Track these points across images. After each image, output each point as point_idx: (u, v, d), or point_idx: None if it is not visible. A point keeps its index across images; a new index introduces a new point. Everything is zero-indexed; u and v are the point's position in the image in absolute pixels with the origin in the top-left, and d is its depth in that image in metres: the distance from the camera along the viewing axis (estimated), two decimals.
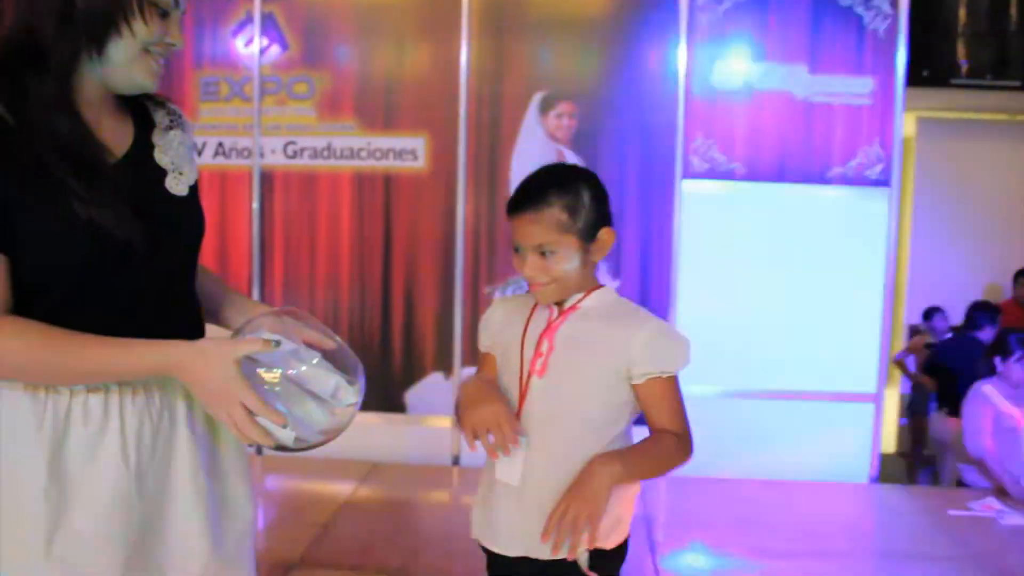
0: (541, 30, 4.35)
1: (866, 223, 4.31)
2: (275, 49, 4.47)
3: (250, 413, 1.29)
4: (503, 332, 1.80)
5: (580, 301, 1.71)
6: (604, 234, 1.68)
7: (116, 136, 1.41)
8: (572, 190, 1.65)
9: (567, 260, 1.65)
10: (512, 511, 1.70)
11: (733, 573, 3.35)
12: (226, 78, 4.50)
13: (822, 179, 4.30)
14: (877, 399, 4.35)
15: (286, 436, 1.33)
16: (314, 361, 1.38)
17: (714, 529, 3.70)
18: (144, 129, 1.47)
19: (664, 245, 4.33)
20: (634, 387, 1.67)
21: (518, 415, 1.69)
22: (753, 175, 4.31)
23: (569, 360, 1.68)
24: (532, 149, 4.32)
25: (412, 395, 4.47)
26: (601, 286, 1.74)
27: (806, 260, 4.32)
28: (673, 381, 1.68)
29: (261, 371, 1.34)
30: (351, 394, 1.41)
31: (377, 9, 4.41)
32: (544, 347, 1.70)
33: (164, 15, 1.35)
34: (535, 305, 1.75)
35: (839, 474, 4.33)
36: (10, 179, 1.27)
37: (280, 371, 1.35)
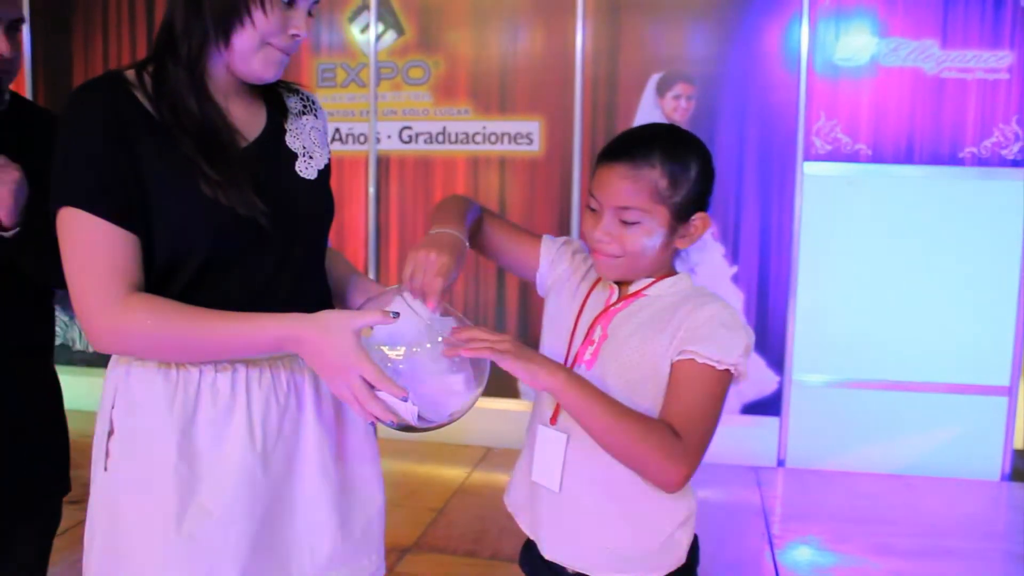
0: (657, 10, 4.26)
1: (1001, 206, 4.08)
2: (390, 35, 4.49)
3: (371, 388, 1.26)
4: (563, 288, 1.59)
5: (648, 287, 1.47)
6: (699, 219, 1.44)
7: (248, 121, 1.45)
8: (681, 156, 1.42)
9: (649, 236, 1.41)
10: (552, 516, 1.51)
11: (854, 570, 3.23)
12: (343, 64, 4.55)
13: (953, 160, 4.09)
14: (1011, 392, 4.13)
15: (409, 412, 1.27)
16: (439, 339, 1.33)
17: (833, 523, 3.59)
18: (277, 115, 1.51)
19: (784, 230, 4.20)
20: (671, 368, 1.40)
21: (557, 409, 1.49)
22: (879, 157, 4.14)
23: (621, 353, 1.44)
24: None
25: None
26: (676, 273, 1.50)
27: (935, 246, 4.12)
28: (709, 374, 1.37)
29: (384, 347, 1.31)
30: (476, 376, 1.37)
31: None
32: (597, 334, 1.48)
33: (289, 4, 1.36)
34: (597, 281, 1.53)
35: (968, 470, 4.13)
36: (144, 161, 1.31)
37: (404, 348, 1.32)
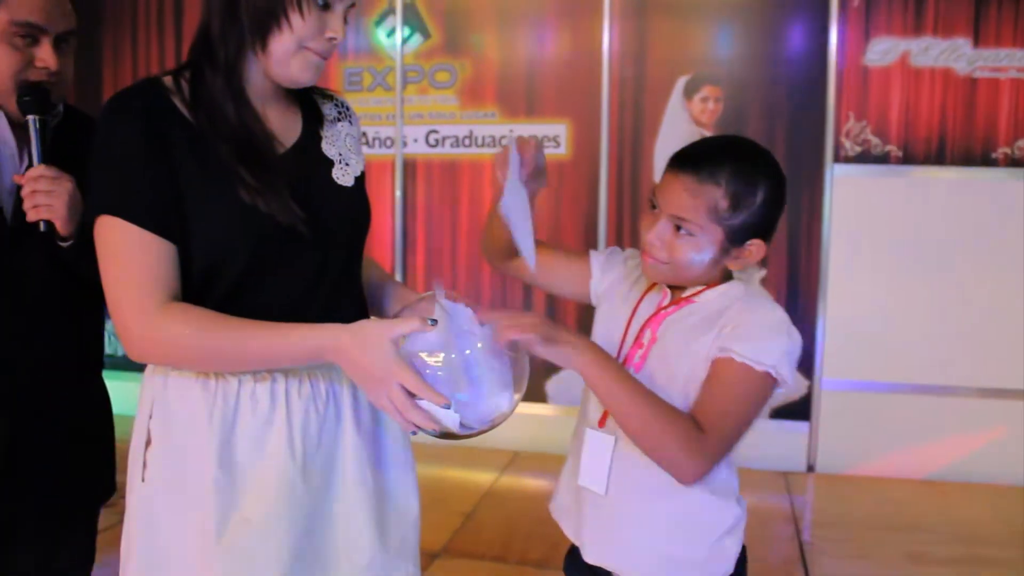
0: (684, 11, 4.23)
1: None
2: (417, 38, 4.49)
3: (411, 396, 1.24)
4: (615, 293, 1.58)
5: (700, 293, 1.45)
6: (754, 246, 1.41)
7: (284, 127, 1.45)
8: (750, 180, 1.38)
9: (698, 250, 1.39)
10: (597, 520, 1.50)
11: None
12: (369, 68, 4.55)
13: (986, 161, 4.04)
14: None
15: (450, 419, 1.25)
16: (479, 345, 1.32)
17: (865, 530, 3.54)
18: (313, 121, 1.50)
19: (814, 233, 4.16)
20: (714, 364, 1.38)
21: (605, 412, 1.47)
22: (910, 158, 4.09)
23: (669, 357, 1.42)
24: (676, 134, 4.21)
25: (553, 384, 4.45)
26: (730, 280, 1.48)
27: (967, 249, 4.06)
28: (745, 373, 1.35)
29: (423, 353, 1.29)
30: (515, 381, 1.36)
31: None
32: (647, 337, 1.46)
33: (325, 7, 1.35)
34: (652, 287, 1.52)
35: (1002, 476, 4.07)
36: (183, 169, 1.31)
37: (443, 354, 1.29)
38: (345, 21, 1.39)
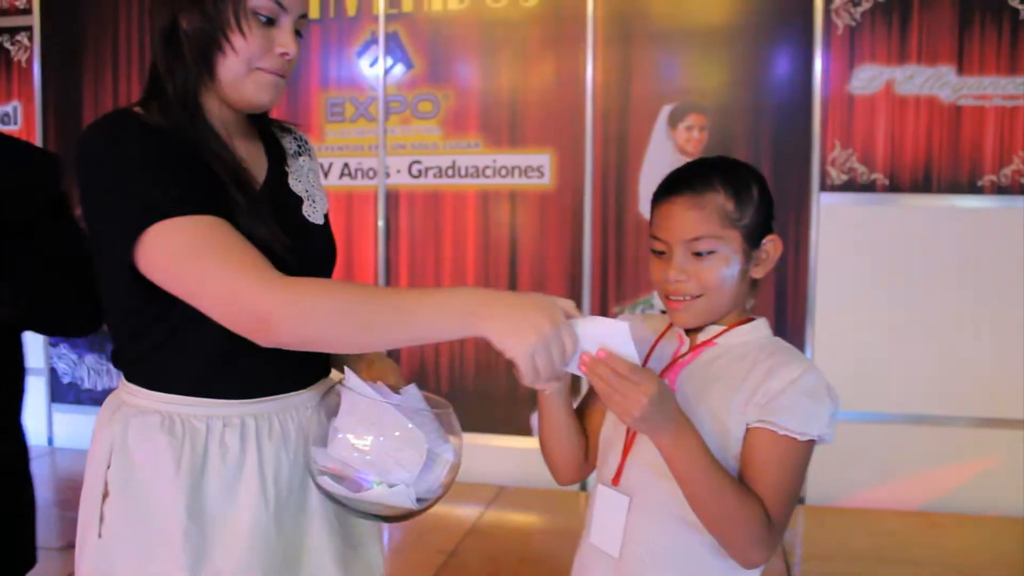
0: (668, 41, 4.21)
1: (1021, 235, 4.00)
2: (399, 68, 4.46)
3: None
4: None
5: (720, 335, 1.38)
6: (770, 242, 1.37)
7: (252, 162, 1.38)
8: (741, 179, 1.36)
9: (726, 264, 1.33)
10: None
11: None
12: (351, 99, 4.52)
13: (972, 189, 4.02)
14: None
15: (405, 496, 1.24)
16: (408, 424, 1.25)
17: (857, 563, 3.48)
18: (277, 156, 1.44)
19: (801, 262, 4.13)
20: (745, 433, 1.31)
21: (620, 469, 1.40)
22: (896, 186, 4.07)
23: (689, 406, 1.32)
24: (661, 163, 4.18)
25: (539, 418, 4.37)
26: (752, 319, 1.40)
27: (954, 276, 4.03)
28: (790, 446, 1.28)
29: (351, 436, 1.24)
30: (450, 433, 1.31)
31: (501, 25, 4.35)
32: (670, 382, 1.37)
33: (270, 22, 1.28)
34: (664, 332, 1.45)
35: (994, 507, 4.01)
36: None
37: (371, 437, 1.24)
38: (298, 34, 1.33)
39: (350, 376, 1.29)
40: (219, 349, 1.28)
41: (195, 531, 1.27)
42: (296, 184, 1.43)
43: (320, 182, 1.51)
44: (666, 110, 4.20)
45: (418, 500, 1.25)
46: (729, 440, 1.32)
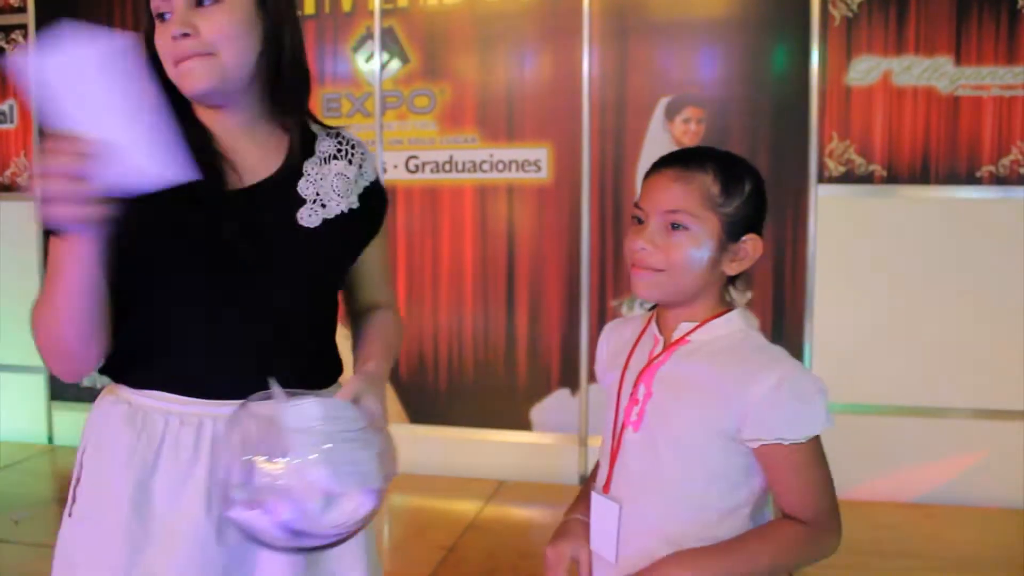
0: (664, 33, 4.20)
1: (1021, 226, 4.00)
2: (395, 63, 4.45)
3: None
4: (610, 367, 1.49)
5: (691, 332, 1.36)
6: (751, 240, 1.35)
7: (258, 161, 1.39)
8: (736, 170, 1.35)
9: (696, 244, 1.31)
10: None
11: None
12: (347, 94, 4.51)
13: (971, 179, 4.01)
14: None
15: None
16: (327, 445, 1.15)
17: (853, 556, 3.46)
18: (300, 157, 1.44)
19: (799, 254, 4.11)
20: (754, 452, 1.31)
21: (609, 476, 1.41)
22: (894, 177, 4.06)
23: (668, 411, 1.33)
24: (658, 156, 4.16)
25: (538, 412, 4.38)
26: (725, 311, 1.38)
27: (953, 268, 4.02)
28: (802, 449, 1.29)
29: (260, 459, 1.13)
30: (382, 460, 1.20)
31: (497, 18, 4.34)
32: (641, 392, 1.37)
33: (160, 16, 1.31)
34: (642, 332, 1.44)
35: (992, 498, 4.00)
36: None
37: (286, 459, 1.13)
38: (199, 3, 1.30)
39: (276, 387, 1.21)
40: (182, 347, 1.30)
41: (137, 525, 1.28)
42: (307, 186, 1.42)
43: (350, 188, 1.46)
44: (663, 103, 4.19)
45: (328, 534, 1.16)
46: (717, 455, 1.32)
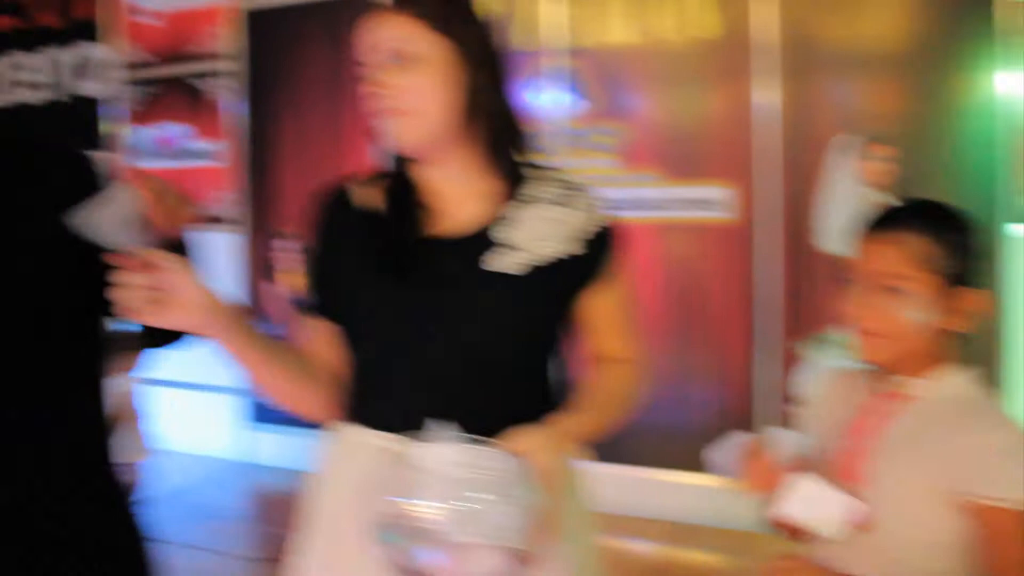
0: (848, 69, 4.11)
1: None
2: (577, 102, 4.51)
3: None
4: (828, 418, 1.48)
5: (912, 386, 1.35)
6: (973, 295, 1.32)
7: (461, 204, 1.43)
8: (949, 224, 1.33)
9: (918, 307, 1.29)
10: None
11: None
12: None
13: None
14: None
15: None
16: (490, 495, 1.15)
17: None
18: (511, 203, 1.44)
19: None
20: (967, 513, 1.24)
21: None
22: None
23: (890, 472, 1.31)
24: (842, 195, 4.07)
25: (714, 454, 4.28)
26: (947, 368, 1.36)
27: None
28: (1014, 518, 1.20)
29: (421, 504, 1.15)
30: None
31: (675, 57, 4.35)
32: (863, 447, 1.36)
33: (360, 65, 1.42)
34: (866, 388, 1.43)
35: None
36: (340, 250, 1.44)
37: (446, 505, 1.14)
38: (393, 60, 1.35)
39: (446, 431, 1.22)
40: (387, 388, 1.40)
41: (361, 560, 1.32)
42: (504, 232, 1.40)
43: (559, 234, 1.43)
44: (847, 140, 4.07)
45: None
46: (943, 517, 1.28)
